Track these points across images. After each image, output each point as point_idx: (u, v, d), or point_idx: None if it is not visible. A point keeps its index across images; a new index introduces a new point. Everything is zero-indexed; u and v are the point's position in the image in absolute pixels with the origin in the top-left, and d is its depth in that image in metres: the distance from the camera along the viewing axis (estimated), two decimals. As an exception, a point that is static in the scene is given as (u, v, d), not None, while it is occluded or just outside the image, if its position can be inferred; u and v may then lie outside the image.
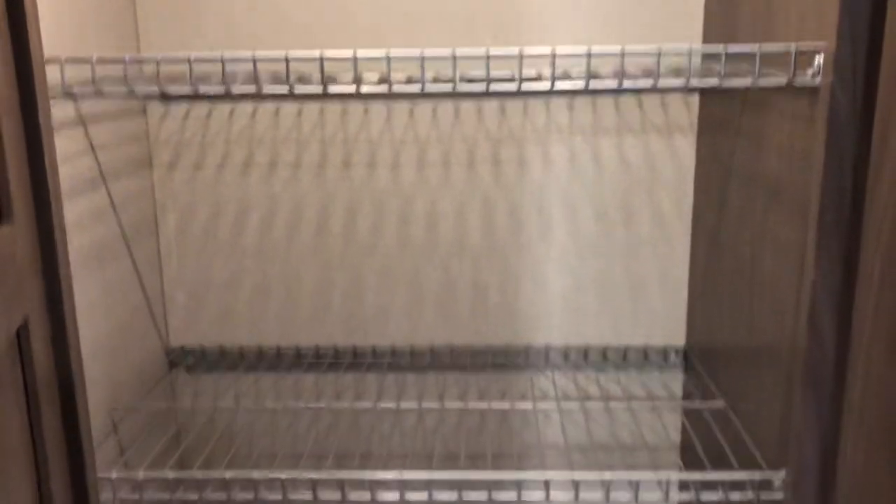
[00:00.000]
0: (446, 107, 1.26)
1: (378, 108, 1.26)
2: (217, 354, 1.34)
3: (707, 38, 1.19)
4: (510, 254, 1.30)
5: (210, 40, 1.23)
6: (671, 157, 1.26)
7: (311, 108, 1.26)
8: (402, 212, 1.29)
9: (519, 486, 0.96)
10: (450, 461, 1.36)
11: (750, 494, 0.92)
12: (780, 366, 0.92)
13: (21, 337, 0.71)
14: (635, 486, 0.96)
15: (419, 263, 1.31)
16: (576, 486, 0.96)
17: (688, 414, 1.27)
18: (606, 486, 0.95)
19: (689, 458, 1.33)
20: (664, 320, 1.32)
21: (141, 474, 0.94)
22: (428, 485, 0.95)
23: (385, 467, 1.36)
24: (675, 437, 1.36)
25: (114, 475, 0.93)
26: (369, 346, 1.34)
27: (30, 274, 0.71)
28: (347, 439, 1.36)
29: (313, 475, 0.95)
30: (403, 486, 0.95)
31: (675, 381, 1.34)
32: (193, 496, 0.96)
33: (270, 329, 1.34)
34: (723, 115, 1.14)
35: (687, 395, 1.31)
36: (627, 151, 1.26)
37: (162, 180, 1.29)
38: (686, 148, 1.26)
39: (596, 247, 1.29)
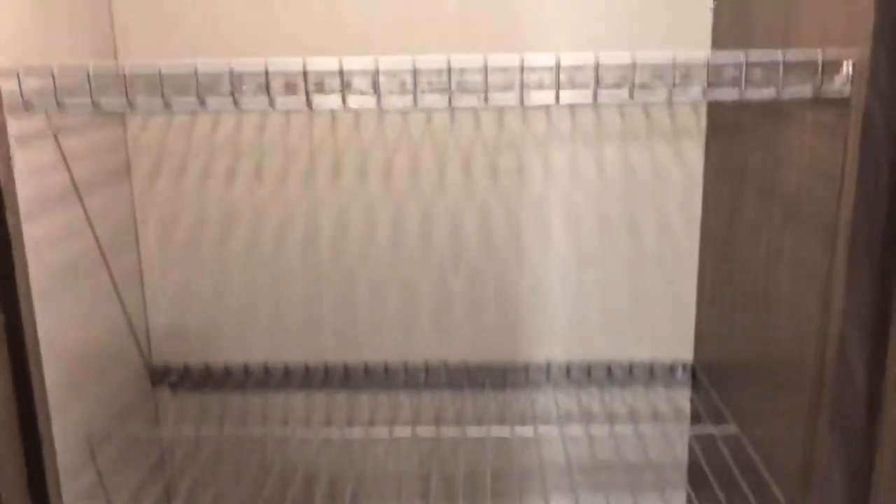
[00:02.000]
0: (441, 111, 1.19)
1: (369, 112, 1.19)
2: (202, 372, 1.27)
3: (717, 39, 1.12)
4: (509, 266, 1.24)
5: (191, 45, 1.16)
6: (678, 163, 1.20)
7: (299, 113, 1.19)
8: (395, 221, 1.22)
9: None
10: (448, 491, 1.30)
11: (769, 532, 0.87)
12: (799, 391, 0.85)
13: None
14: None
15: (413, 275, 1.24)
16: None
17: (698, 437, 1.21)
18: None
19: (697, 482, 1.27)
20: (671, 335, 1.26)
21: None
22: None
23: (381, 500, 1.30)
24: (682, 456, 1.30)
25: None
26: (361, 363, 1.27)
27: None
28: (339, 466, 1.29)
29: None
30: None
31: (683, 398, 1.28)
32: None
33: (258, 345, 1.27)
34: (734, 120, 1.07)
35: (695, 415, 1.25)
36: (632, 157, 1.20)
37: (142, 190, 1.22)
38: (694, 154, 1.19)
39: (599, 259, 1.23)
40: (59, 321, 0.99)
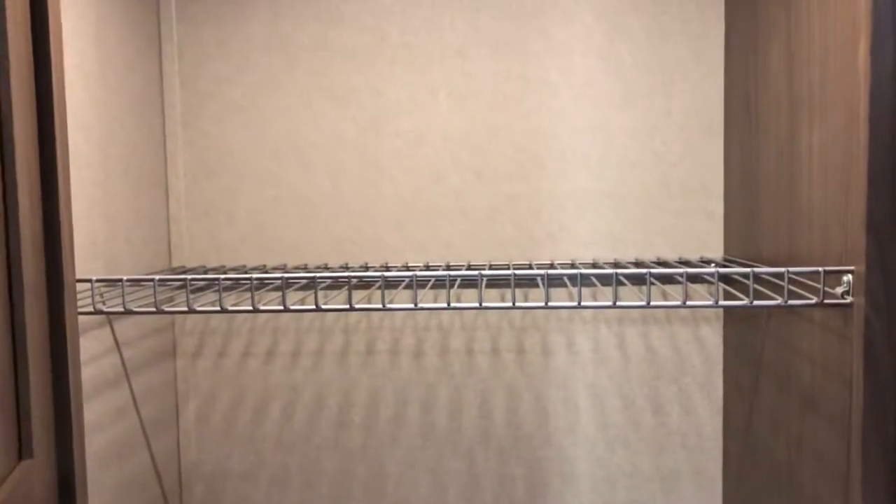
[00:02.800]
0: (470, 293, 1.26)
1: (402, 294, 1.26)
2: (232, 549, 1.28)
3: (728, 242, 1.20)
4: (537, 445, 1.26)
5: (240, 238, 1.26)
6: (698, 347, 1.25)
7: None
8: (425, 400, 1.27)
9: None
10: None
11: None
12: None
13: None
14: None
15: (442, 453, 1.27)
16: None
17: None
18: None
19: None
20: (698, 516, 1.26)
21: None
22: None
23: None
24: None
25: None
26: (390, 542, 1.28)
27: (46, 506, 0.69)
28: None
29: None
30: None
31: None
32: None
33: (288, 523, 1.29)
34: (749, 315, 1.13)
35: None
36: (653, 340, 1.25)
37: (185, 370, 1.28)
38: (713, 339, 1.24)
39: (624, 439, 1.26)
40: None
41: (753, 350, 1.11)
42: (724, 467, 1.24)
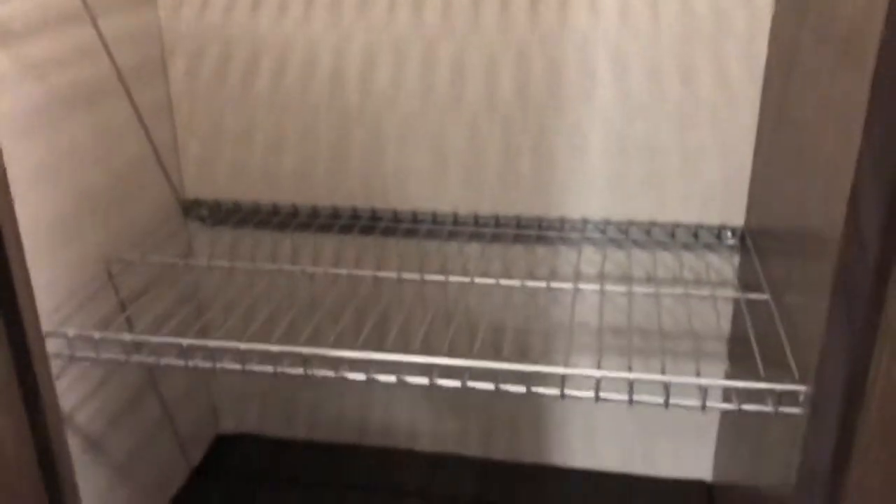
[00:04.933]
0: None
1: (402, -62, 1.09)
2: (232, 209, 1.26)
3: None
4: (546, 114, 1.14)
5: None
6: (743, 2, 1.05)
7: (324, -64, 1.11)
8: (426, 60, 1.14)
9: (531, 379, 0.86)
10: (471, 339, 1.27)
11: (769, 406, 0.79)
12: (826, 261, 0.75)
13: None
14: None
15: (444, 120, 1.17)
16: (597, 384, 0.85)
17: (735, 304, 1.13)
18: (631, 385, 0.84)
19: (734, 349, 1.19)
20: (722, 196, 1.15)
21: (97, 335, 0.89)
22: (461, 373, 0.86)
23: (409, 342, 1.29)
24: (723, 326, 1.21)
25: (70, 333, 0.88)
26: (390, 210, 1.23)
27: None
28: (366, 307, 1.28)
29: (338, 353, 0.87)
30: (432, 371, 0.87)
31: (727, 265, 1.18)
32: (207, 364, 0.90)
33: (286, 185, 1.25)
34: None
35: (740, 282, 1.15)
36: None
37: (169, 19, 1.18)
38: (762, -7, 1.04)
39: (646, 110, 1.12)
40: (67, 148, 0.99)
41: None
42: (757, 140, 1.10)
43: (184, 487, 1.33)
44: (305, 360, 0.87)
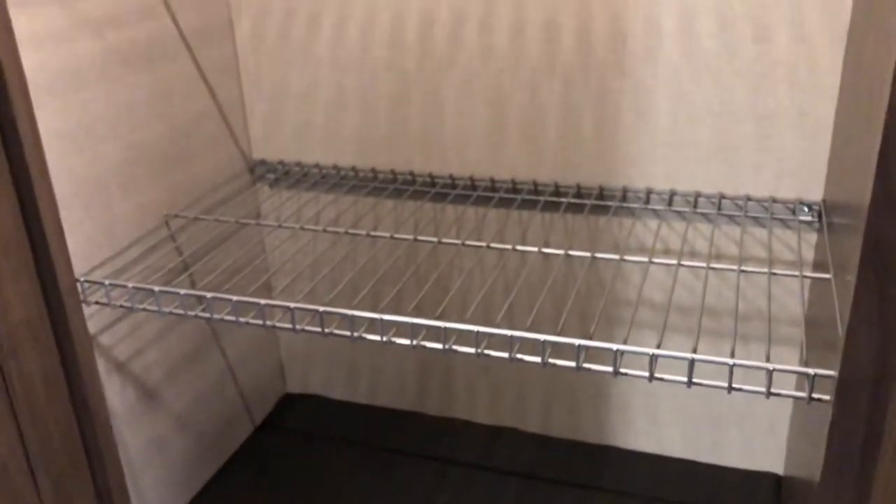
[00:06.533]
0: None
1: None
2: (296, 171, 1.27)
3: None
4: (609, 74, 1.08)
5: None
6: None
7: None
8: (484, 19, 1.11)
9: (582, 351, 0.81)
10: (529, 307, 1.23)
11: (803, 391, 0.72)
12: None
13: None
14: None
15: (502, 81, 1.13)
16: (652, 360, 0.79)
17: (812, 284, 1.03)
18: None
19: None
20: (798, 167, 1.05)
21: (131, 284, 0.91)
22: (510, 345, 0.82)
23: (463, 309, 1.27)
24: (799, 309, 1.12)
25: (107, 282, 0.91)
26: (447, 175, 1.20)
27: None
28: (426, 272, 1.27)
29: (384, 316, 0.85)
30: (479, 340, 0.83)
31: (804, 243, 1.08)
32: (286, 325, 0.89)
33: (347, 147, 1.25)
34: None
35: (816, 262, 1.06)
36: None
37: (234, -21, 1.20)
38: (849, -62, 0.94)
39: (716, 70, 1.04)
40: (122, 105, 1.02)
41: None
42: (838, 112, 1.00)
43: (245, 442, 1.36)
44: (385, 327, 0.85)
